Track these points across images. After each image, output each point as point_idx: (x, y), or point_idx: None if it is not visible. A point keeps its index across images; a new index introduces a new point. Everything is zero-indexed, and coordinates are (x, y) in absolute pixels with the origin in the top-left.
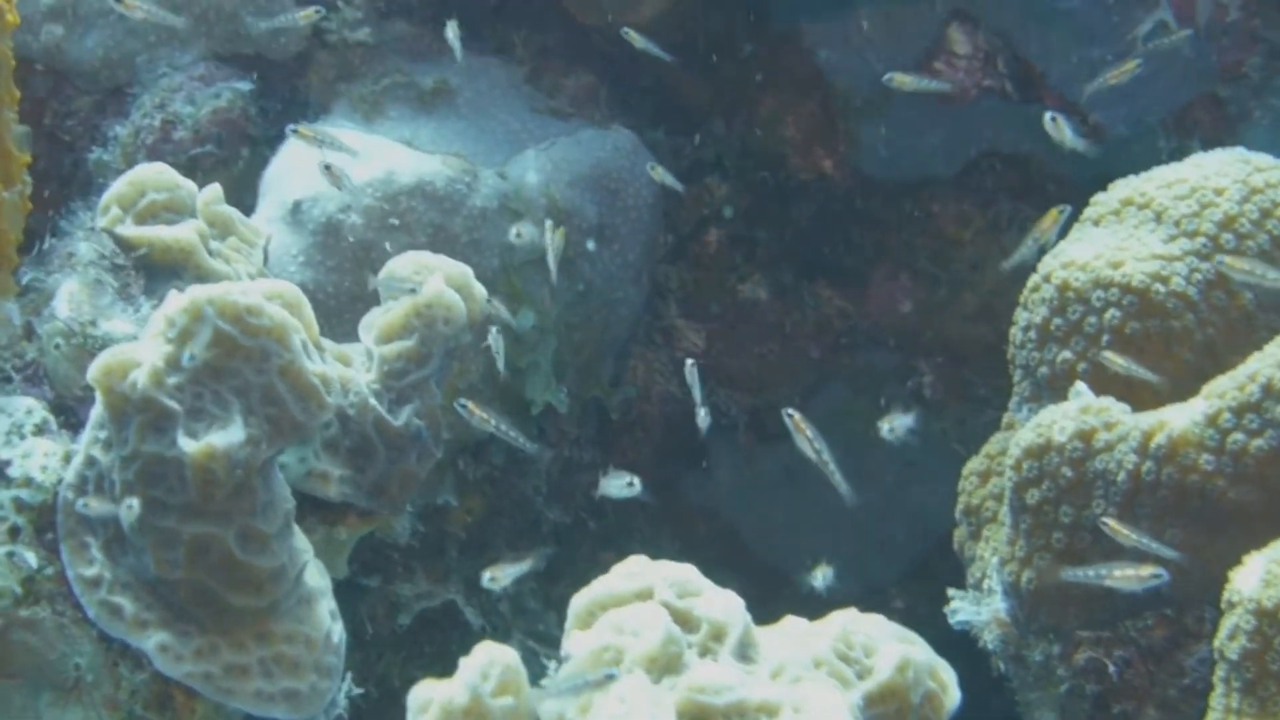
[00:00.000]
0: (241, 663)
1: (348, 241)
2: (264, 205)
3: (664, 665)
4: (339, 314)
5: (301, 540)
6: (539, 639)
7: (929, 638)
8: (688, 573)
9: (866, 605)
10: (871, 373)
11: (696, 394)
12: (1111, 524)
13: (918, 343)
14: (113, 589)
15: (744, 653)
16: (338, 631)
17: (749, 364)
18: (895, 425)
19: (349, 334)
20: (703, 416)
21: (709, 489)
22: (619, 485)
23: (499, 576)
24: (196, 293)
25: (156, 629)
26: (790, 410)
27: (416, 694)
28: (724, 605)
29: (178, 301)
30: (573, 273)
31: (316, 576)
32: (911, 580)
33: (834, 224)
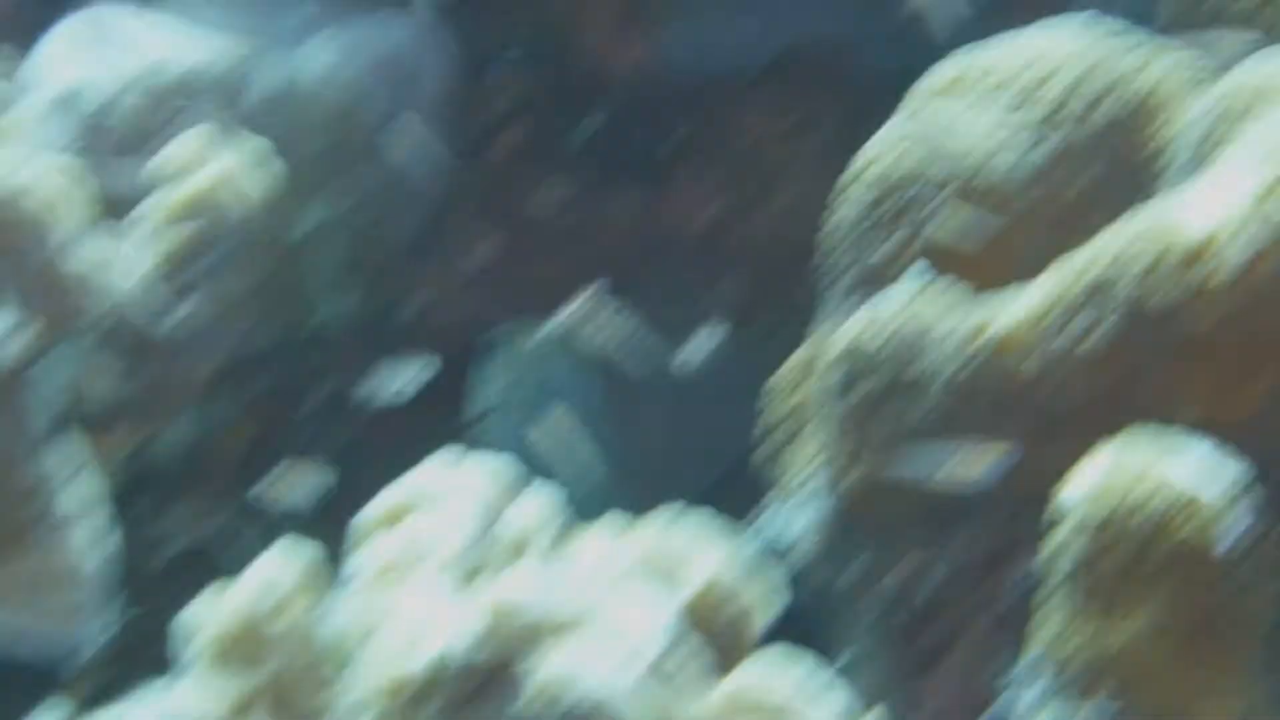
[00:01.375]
0: None
1: (117, 137)
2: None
3: (468, 573)
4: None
5: (60, 455)
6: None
7: None
8: (499, 470)
9: None
10: (674, 283)
11: None
12: None
13: (723, 250)
14: None
15: (555, 557)
16: (95, 562)
17: (544, 274)
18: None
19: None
20: None
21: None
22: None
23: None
24: None
25: None
26: None
27: (184, 621)
28: (534, 507)
29: None
30: (359, 171)
31: (76, 495)
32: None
33: (635, 123)
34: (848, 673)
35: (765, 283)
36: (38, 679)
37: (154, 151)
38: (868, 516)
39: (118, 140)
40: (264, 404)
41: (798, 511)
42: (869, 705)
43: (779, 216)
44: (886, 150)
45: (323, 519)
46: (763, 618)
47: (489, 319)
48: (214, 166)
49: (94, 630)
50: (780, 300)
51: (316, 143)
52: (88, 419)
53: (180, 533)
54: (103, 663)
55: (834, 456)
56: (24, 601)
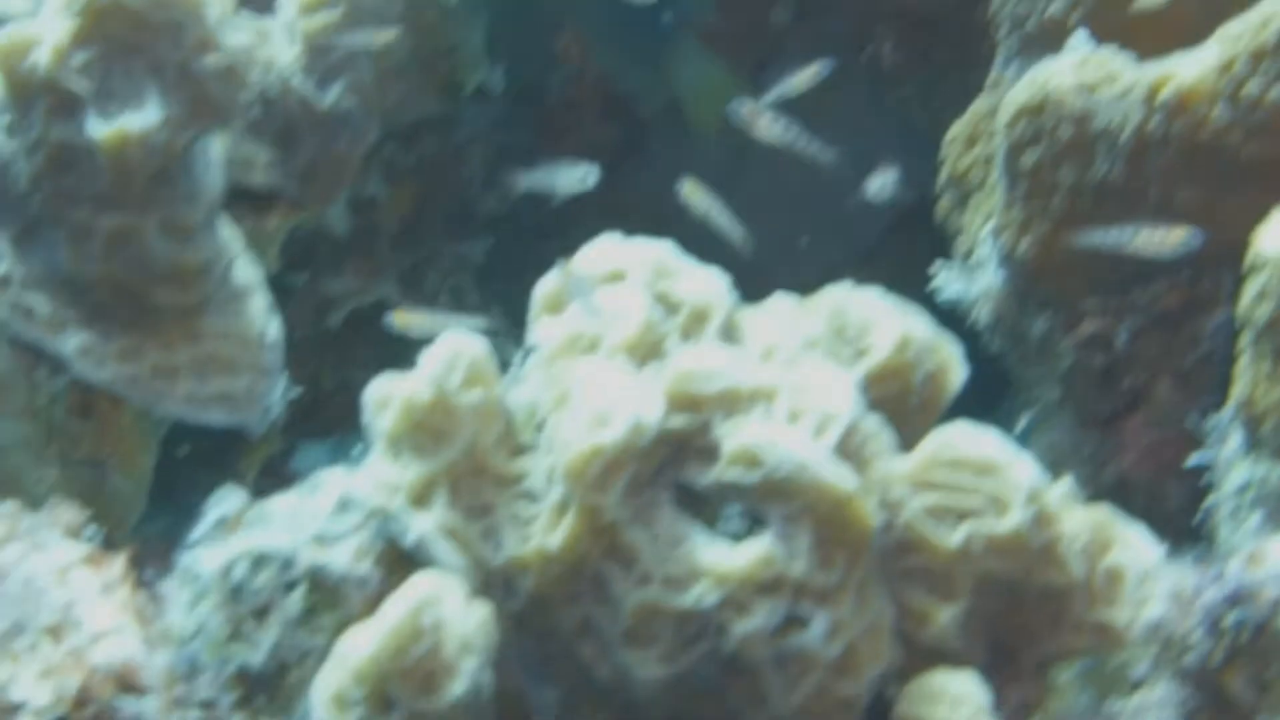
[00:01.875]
0: (170, 364)
1: None
2: None
3: (646, 351)
4: None
5: (230, 231)
6: (485, 334)
7: None
8: (664, 251)
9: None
10: (826, 39)
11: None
12: None
13: (875, 5)
14: (25, 287)
15: (729, 335)
16: (274, 328)
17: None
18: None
19: None
20: None
21: (651, 177)
22: (572, 177)
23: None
24: None
25: (75, 330)
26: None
27: (375, 391)
28: (705, 285)
29: None
30: None
31: (248, 270)
32: (870, 263)
33: None
34: (1034, 427)
35: (919, 38)
36: (227, 441)
37: None
38: (1047, 279)
39: None
40: (420, 174)
41: (974, 274)
42: (1058, 455)
43: None
44: None
45: (479, 288)
46: (949, 383)
47: None
48: None
49: (276, 393)
50: (930, 56)
51: None
52: (250, 198)
53: (342, 302)
54: (283, 425)
55: (1008, 220)
56: (215, 368)
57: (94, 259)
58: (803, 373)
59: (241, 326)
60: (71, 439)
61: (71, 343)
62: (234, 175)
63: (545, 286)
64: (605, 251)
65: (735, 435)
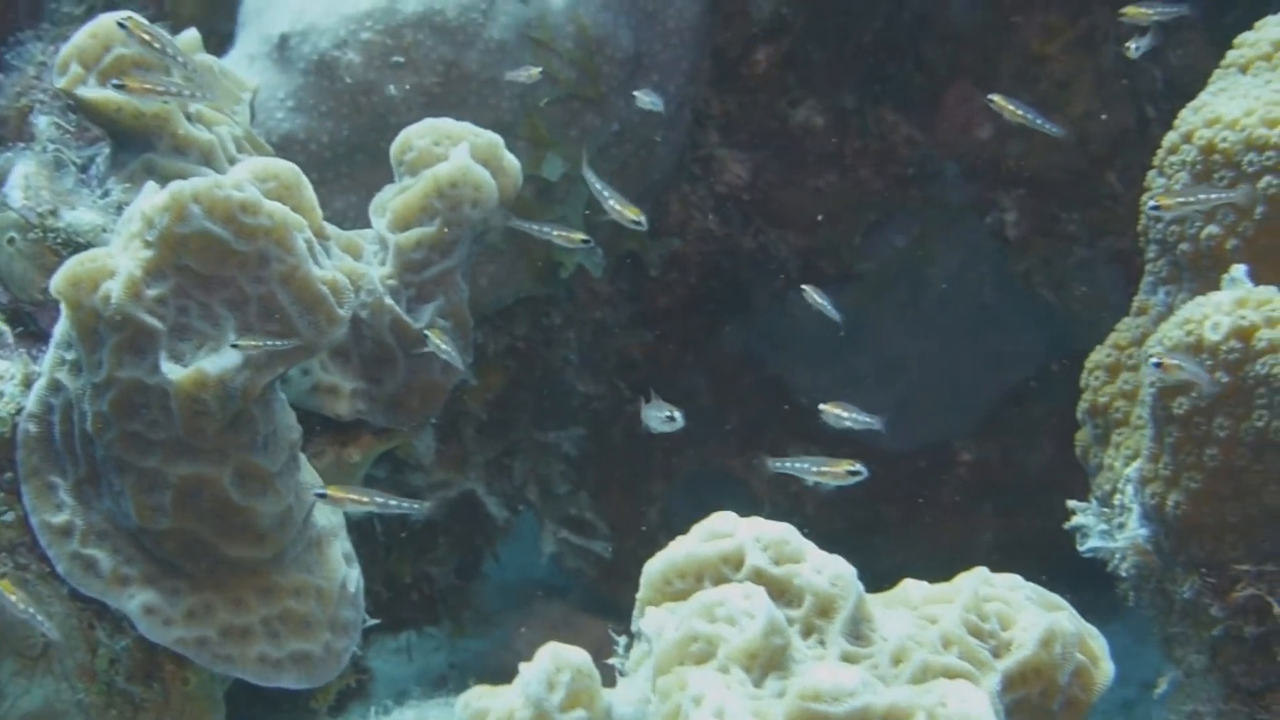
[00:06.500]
0: (242, 624)
1: (344, 83)
2: (244, 39)
3: (766, 661)
4: (334, 166)
5: (310, 474)
6: (572, 526)
7: (1000, 492)
8: (784, 532)
9: (932, 459)
10: (944, 208)
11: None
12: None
13: (997, 173)
14: (86, 539)
15: (856, 630)
16: (354, 578)
17: (802, 199)
18: None
19: (344, 190)
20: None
21: (752, 337)
22: (659, 418)
23: None
24: (180, 189)
25: (140, 587)
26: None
27: (469, 703)
28: (832, 574)
29: (158, 198)
30: (606, 111)
31: (327, 513)
32: (982, 433)
33: (901, 39)
34: (1175, 692)
35: (1041, 208)
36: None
37: (380, 106)
38: (1198, 539)
39: (350, 87)
40: (508, 361)
41: (1116, 521)
42: None
43: (1055, 142)
44: (1213, 119)
45: (572, 478)
46: (1096, 682)
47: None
48: (449, 164)
49: (353, 644)
50: (1057, 228)
51: (562, 79)
52: (332, 429)
53: (425, 495)
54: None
55: (1156, 472)
56: (290, 628)
57: (164, 511)
58: (939, 692)
59: (319, 580)
60: (133, 705)
61: (136, 601)
62: (315, 403)
63: (657, 565)
64: (720, 530)
65: None
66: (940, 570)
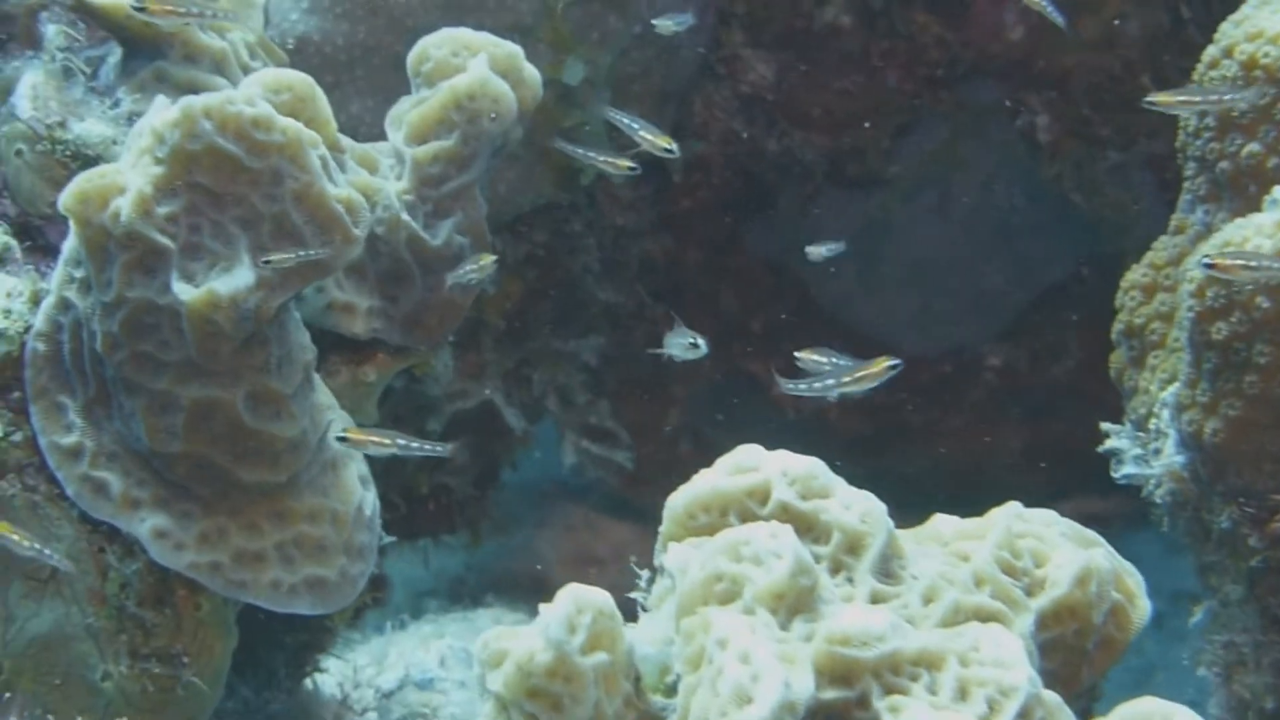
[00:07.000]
0: (255, 549)
1: None
2: None
3: (793, 602)
4: (349, 69)
5: (324, 395)
6: (593, 436)
7: (1028, 397)
8: (812, 466)
9: (959, 363)
10: (974, 110)
11: None
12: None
13: (1028, 75)
14: (96, 461)
15: (886, 567)
16: (370, 501)
17: (828, 100)
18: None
19: (360, 94)
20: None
21: (776, 240)
22: (682, 345)
23: None
24: (191, 104)
25: (151, 510)
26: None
27: (488, 644)
28: (862, 510)
29: (168, 114)
30: (627, 11)
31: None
32: (1010, 338)
33: None
34: (1211, 622)
35: (1073, 112)
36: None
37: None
38: (1236, 468)
39: None
40: (529, 266)
41: (1152, 446)
42: (1239, 658)
43: (1092, 39)
44: (1255, 33)
45: (592, 388)
46: (1133, 621)
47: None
48: (467, 76)
49: (369, 568)
50: (1089, 131)
51: None
52: (348, 348)
53: (443, 405)
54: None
55: (1193, 398)
56: (304, 552)
57: (175, 434)
58: (971, 636)
59: (334, 504)
60: (144, 630)
61: (147, 524)
62: (330, 322)
63: (680, 499)
64: (745, 463)
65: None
66: (966, 477)
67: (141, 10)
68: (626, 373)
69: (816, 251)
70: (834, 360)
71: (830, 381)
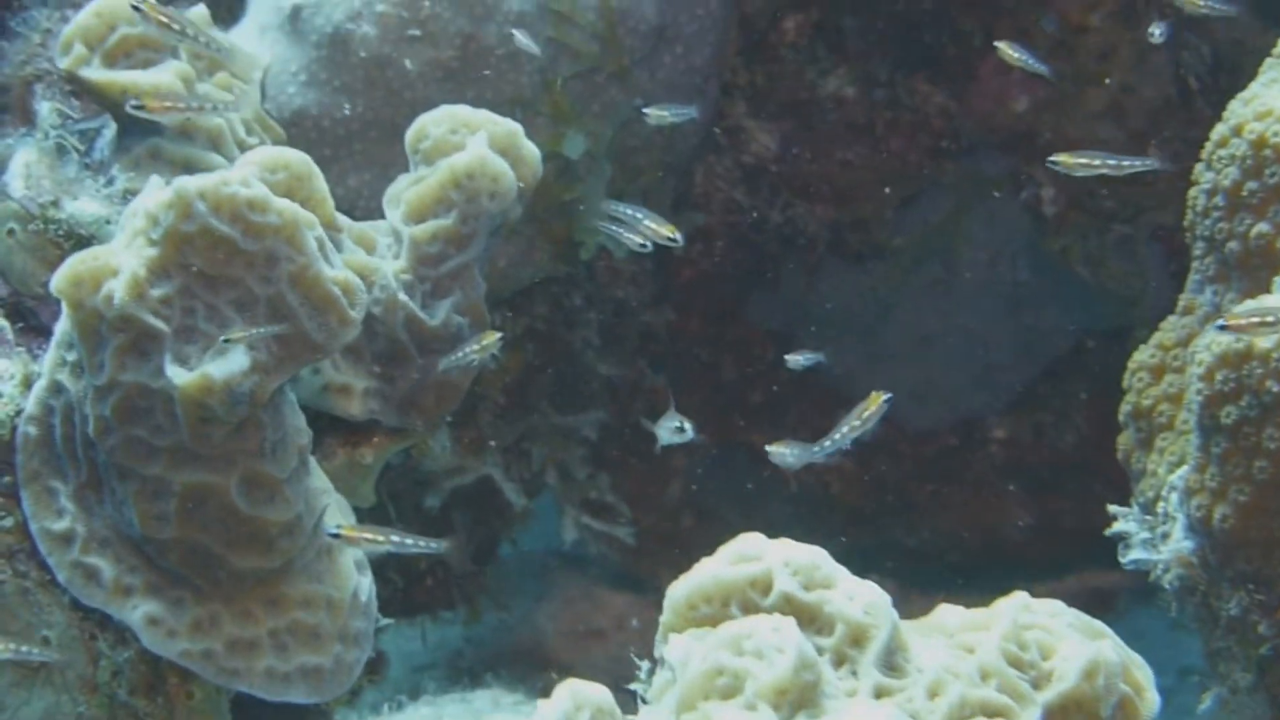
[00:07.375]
0: (249, 637)
1: (358, 56)
2: (255, 8)
3: (796, 698)
4: (347, 143)
5: (319, 479)
6: (593, 510)
7: (1032, 471)
8: (815, 556)
9: (964, 437)
10: (978, 181)
11: None
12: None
13: (1033, 146)
14: (88, 547)
15: (890, 660)
16: (366, 586)
17: (831, 171)
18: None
19: (357, 168)
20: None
21: (778, 311)
22: (670, 428)
23: None
24: (185, 185)
25: (143, 597)
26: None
27: None
28: (865, 602)
29: (162, 195)
30: (629, 84)
31: (338, 518)
32: (1016, 411)
33: (936, 8)
34: (1219, 708)
35: (1078, 183)
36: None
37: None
38: (1246, 554)
39: (364, 61)
40: (527, 344)
41: (1159, 530)
42: None
43: (1097, 111)
44: (1264, 112)
45: (591, 463)
46: (1141, 714)
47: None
48: (466, 154)
49: (365, 655)
50: (1095, 204)
51: (583, 52)
52: (344, 429)
53: (441, 482)
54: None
55: (1202, 483)
56: (298, 640)
57: (167, 520)
58: None
59: (329, 590)
60: (135, 718)
61: (139, 612)
62: (326, 403)
63: (681, 589)
64: (747, 552)
65: None
66: (970, 550)
67: (140, 109)
68: (626, 444)
69: (795, 360)
70: (805, 450)
71: (837, 436)
